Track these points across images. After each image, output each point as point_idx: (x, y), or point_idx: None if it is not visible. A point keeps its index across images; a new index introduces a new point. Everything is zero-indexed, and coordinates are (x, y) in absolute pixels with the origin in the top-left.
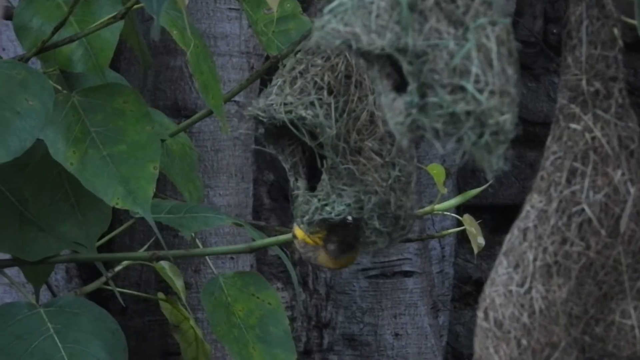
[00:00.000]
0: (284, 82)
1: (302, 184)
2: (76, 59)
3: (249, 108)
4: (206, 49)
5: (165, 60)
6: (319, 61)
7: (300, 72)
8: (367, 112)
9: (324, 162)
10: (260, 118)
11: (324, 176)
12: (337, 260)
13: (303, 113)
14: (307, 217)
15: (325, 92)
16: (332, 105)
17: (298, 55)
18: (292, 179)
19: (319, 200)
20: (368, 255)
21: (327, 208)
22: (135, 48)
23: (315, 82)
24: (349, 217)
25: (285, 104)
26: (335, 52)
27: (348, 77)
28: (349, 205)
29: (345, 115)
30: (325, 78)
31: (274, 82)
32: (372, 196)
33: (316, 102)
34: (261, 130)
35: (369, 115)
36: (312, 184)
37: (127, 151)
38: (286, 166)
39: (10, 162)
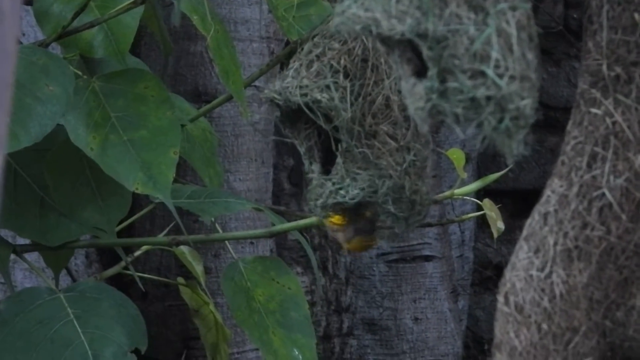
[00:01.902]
0: (301, 65)
1: (316, 167)
2: (97, 44)
3: (265, 91)
4: (227, 34)
5: (186, 46)
6: (336, 45)
7: (317, 56)
8: (382, 96)
9: (339, 145)
10: (276, 101)
11: (339, 160)
12: (350, 243)
13: (318, 96)
14: (320, 200)
15: (341, 76)
16: (348, 89)
17: (315, 39)
18: (306, 163)
19: (334, 183)
20: (385, 240)
21: (342, 192)
22: (155, 33)
23: (332, 66)
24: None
25: (300, 87)
26: (353, 36)
27: (365, 60)
28: (363, 189)
29: (360, 98)
30: (342, 61)
31: (290, 66)
32: (386, 180)
33: (332, 85)
34: (277, 113)
35: (385, 99)
36: (327, 168)
37: (147, 136)
38: (301, 150)
39: (31, 148)
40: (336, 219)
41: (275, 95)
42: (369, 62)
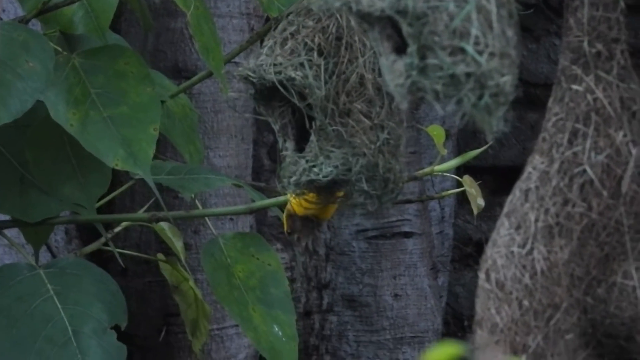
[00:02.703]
0: (275, 43)
1: (290, 145)
2: (77, 21)
3: (240, 68)
4: (206, 11)
5: (166, 22)
6: (310, 23)
7: (291, 34)
8: (356, 74)
9: (313, 123)
10: (250, 78)
11: (313, 137)
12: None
13: (292, 74)
14: (294, 177)
15: (315, 54)
16: (322, 67)
17: (289, 17)
18: (280, 140)
19: (307, 161)
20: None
21: (315, 169)
22: (135, 10)
23: (306, 44)
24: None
25: (275, 65)
26: (327, 14)
27: (339, 39)
28: (336, 167)
29: (334, 77)
30: (316, 39)
31: (265, 43)
32: (359, 158)
33: (306, 63)
34: (251, 91)
35: (359, 77)
36: (301, 146)
37: (127, 113)
38: (275, 127)
39: (11, 124)
40: (310, 196)
41: (250, 73)
42: (343, 40)
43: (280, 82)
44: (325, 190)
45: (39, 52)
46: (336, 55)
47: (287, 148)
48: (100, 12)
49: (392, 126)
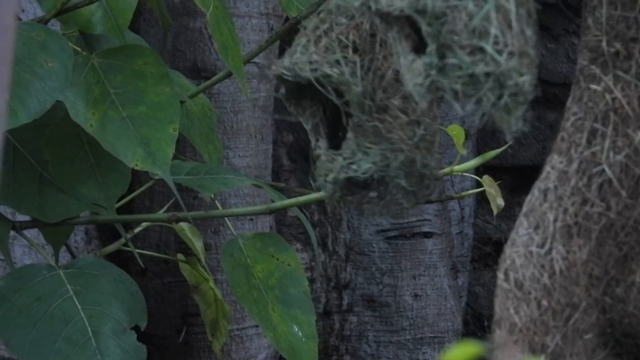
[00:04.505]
0: (308, 41)
1: (323, 143)
2: (96, 21)
3: (273, 67)
4: (226, 10)
5: (185, 22)
6: (343, 20)
7: (324, 31)
8: (392, 70)
9: (349, 120)
10: (285, 77)
11: (350, 134)
12: None
13: (329, 71)
14: (331, 175)
15: (350, 51)
16: (358, 63)
17: (321, 15)
18: (313, 140)
19: (344, 158)
20: (391, 216)
21: (353, 166)
22: (154, 9)
23: (340, 41)
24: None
25: (310, 62)
26: (361, 11)
27: (372, 35)
28: (375, 163)
29: (370, 73)
30: (350, 36)
31: (297, 42)
32: (398, 154)
33: (342, 60)
34: (282, 90)
35: (394, 73)
36: (333, 144)
37: (146, 112)
38: (307, 127)
39: (30, 124)
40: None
41: (285, 72)
42: (377, 36)
43: (317, 80)
44: (361, 188)
45: (58, 52)
46: (371, 52)
47: (320, 147)
48: (119, 12)
49: (428, 122)
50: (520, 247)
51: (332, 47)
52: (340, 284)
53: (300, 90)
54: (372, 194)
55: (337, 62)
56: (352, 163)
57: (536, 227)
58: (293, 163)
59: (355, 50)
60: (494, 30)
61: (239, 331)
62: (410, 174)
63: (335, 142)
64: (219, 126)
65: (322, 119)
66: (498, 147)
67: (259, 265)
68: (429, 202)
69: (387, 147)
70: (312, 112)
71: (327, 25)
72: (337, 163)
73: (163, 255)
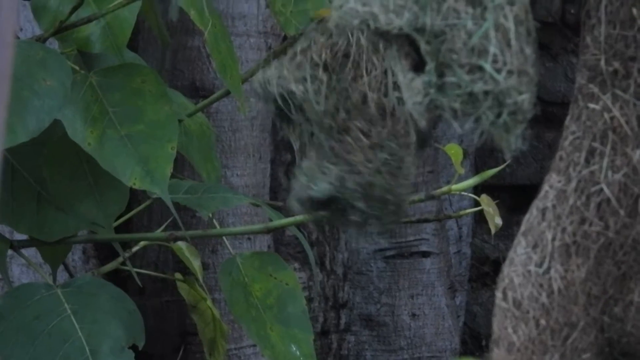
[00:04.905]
0: (285, 57)
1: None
2: (94, 39)
3: (253, 82)
4: (224, 29)
5: (183, 40)
6: (322, 39)
7: (302, 49)
8: (359, 92)
9: (311, 139)
10: (258, 92)
11: (312, 154)
12: None
13: (293, 87)
14: (294, 193)
15: (320, 69)
16: (325, 82)
17: (306, 34)
18: (298, 159)
19: (306, 177)
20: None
21: (312, 185)
22: (153, 28)
23: (312, 59)
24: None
25: (279, 78)
26: (339, 31)
27: (346, 56)
28: (331, 183)
29: (336, 93)
30: (323, 55)
31: (279, 59)
32: (355, 176)
33: (308, 78)
34: (271, 107)
35: (362, 95)
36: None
37: (145, 131)
38: (295, 146)
39: (28, 142)
40: None
41: (258, 87)
42: (350, 57)
43: (281, 96)
44: (324, 208)
45: (57, 70)
46: (341, 72)
47: (301, 167)
48: (118, 30)
49: (393, 147)
50: (519, 266)
51: (304, 64)
52: (338, 303)
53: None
54: (334, 215)
55: (304, 79)
56: (311, 182)
57: (534, 246)
58: (291, 182)
59: (325, 69)
60: (492, 49)
61: (237, 350)
62: (369, 197)
63: None
64: (217, 145)
65: (309, 139)
66: (496, 166)
67: (257, 284)
68: (427, 221)
69: (344, 169)
70: (300, 132)
71: (307, 43)
72: (300, 182)
73: (161, 274)
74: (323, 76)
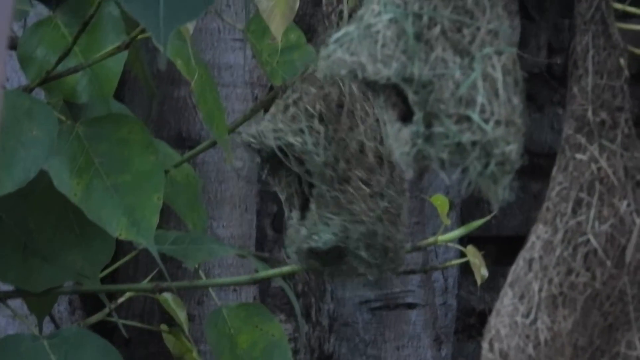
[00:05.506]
0: (277, 109)
1: (295, 214)
2: (80, 89)
3: (242, 135)
4: (211, 79)
5: (170, 90)
6: (313, 90)
7: (294, 101)
8: (356, 141)
9: (312, 190)
10: (252, 145)
11: (312, 204)
12: None
13: (292, 140)
14: (294, 246)
15: (315, 120)
16: (322, 133)
17: (294, 85)
18: (287, 210)
19: (307, 229)
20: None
21: (315, 237)
22: (139, 78)
23: (307, 110)
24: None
25: (275, 130)
26: (330, 82)
27: (340, 106)
28: (335, 234)
29: (334, 143)
30: (317, 106)
31: (270, 111)
32: (358, 226)
33: (306, 130)
34: (257, 159)
35: (359, 145)
36: (306, 214)
37: (131, 181)
38: (282, 197)
39: (14, 192)
40: None
41: (251, 139)
42: (344, 107)
43: (280, 148)
44: (327, 259)
45: (43, 121)
46: (337, 122)
47: (292, 217)
48: (104, 81)
49: (392, 195)
50: (505, 317)
51: (299, 116)
52: (324, 355)
53: (276, 161)
54: (335, 265)
55: (301, 131)
56: (313, 233)
57: (521, 297)
58: (277, 233)
59: (321, 120)
60: (480, 99)
61: None
62: (372, 246)
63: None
64: (203, 195)
65: (297, 190)
66: (482, 218)
67: (243, 335)
68: (413, 272)
69: (348, 219)
70: (287, 182)
71: (298, 94)
72: (300, 233)
73: (147, 326)
74: (320, 127)
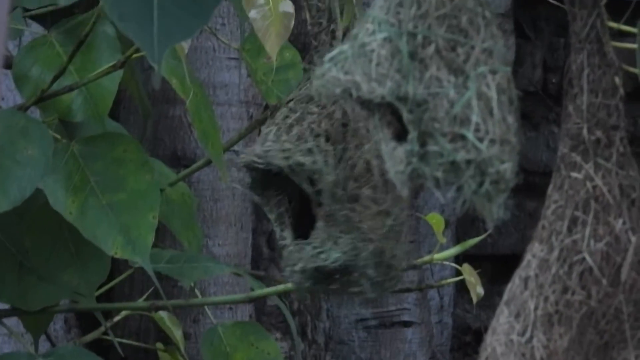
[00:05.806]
0: (279, 129)
1: (288, 234)
2: (76, 108)
3: (242, 155)
4: (206, 98)
5: (165, 109)
6: (315, 109)
7: (295, 120)
8: (363, 160)
9: (319, 209)
10: (256, 164)
11: (320, 223)
12: None
13: (302, 159)
14: (299, 264)
15: (322, 140)
16: (331, 152)
17: (290, 104)
18: (277, 230)
19: (314, 247)
20: (357, 304)
21: (322, 255)
22: (134, 97)
23: (312, 129)
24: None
25: (283, 150)
26: (332, 101)
27: (344, 125)
28: (344, 252)
29: (343, 162)
30: (322, 125)
31: (267, 130)
32: (368, 244)
33: (314, 149)
34: (248, 179)
35: (365, 163)
36: (299, 234)
37: (126, 200)
38: (271, 216)
39: (9, 211)
40: None
41: (255, 159)
42: (348, 126)
43: (290, 168)
44: (328, 278)
45: (38, 139)
46: (343, 141)
47: (285, 237)
48: (99, 100)
49: (397, 212)
50: (501, 335)
51: (305, 135)
52: None
53: (266, 180)
54: (337, 284)
55: (310, 150)
56: (321, 252)
57: (517, 315)
58: (272, 252)
59: (327, 140)
60: (475, 118)
61: None
62: (379, 264)
63: (300, 232)
64: (198, 214)
65: (287, 209)
66: (477, 236)
67: (239, 354)
68: (409, 290)
69: (357, 237)
70: (277, 201)
71: (298, 114)
72: (306, 252)
73: (143, 344)
74: (327, 146)
